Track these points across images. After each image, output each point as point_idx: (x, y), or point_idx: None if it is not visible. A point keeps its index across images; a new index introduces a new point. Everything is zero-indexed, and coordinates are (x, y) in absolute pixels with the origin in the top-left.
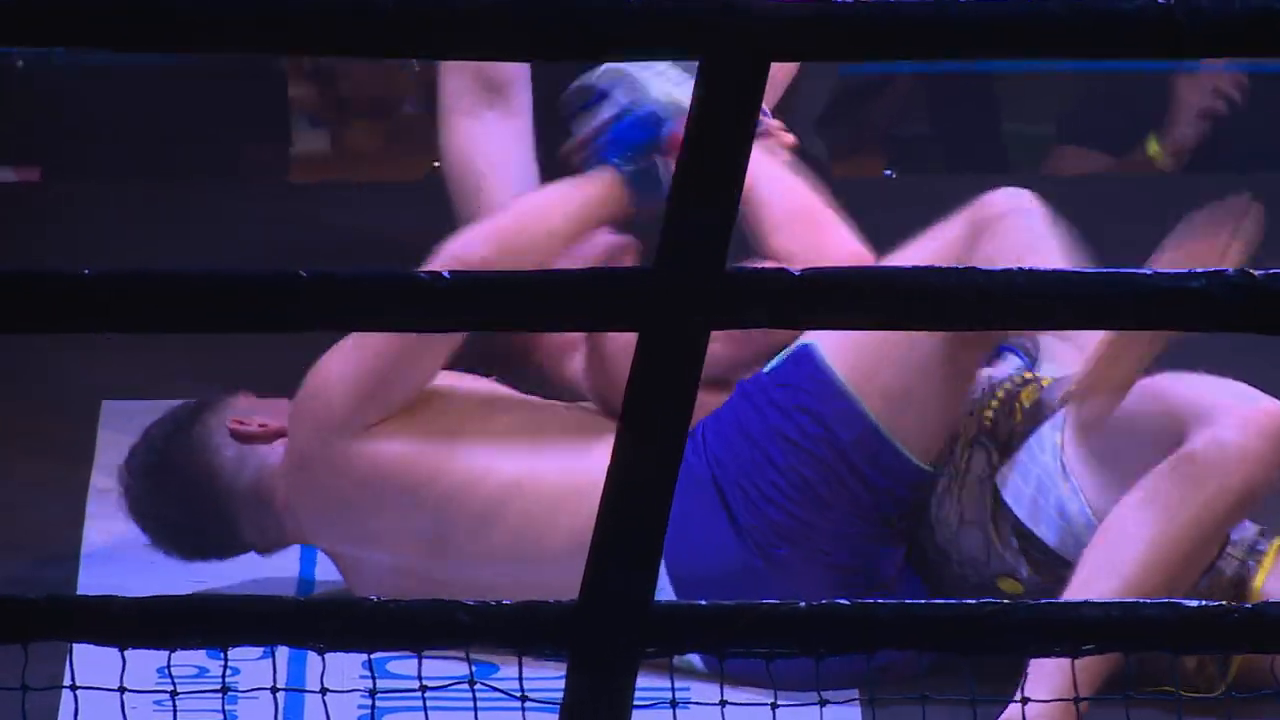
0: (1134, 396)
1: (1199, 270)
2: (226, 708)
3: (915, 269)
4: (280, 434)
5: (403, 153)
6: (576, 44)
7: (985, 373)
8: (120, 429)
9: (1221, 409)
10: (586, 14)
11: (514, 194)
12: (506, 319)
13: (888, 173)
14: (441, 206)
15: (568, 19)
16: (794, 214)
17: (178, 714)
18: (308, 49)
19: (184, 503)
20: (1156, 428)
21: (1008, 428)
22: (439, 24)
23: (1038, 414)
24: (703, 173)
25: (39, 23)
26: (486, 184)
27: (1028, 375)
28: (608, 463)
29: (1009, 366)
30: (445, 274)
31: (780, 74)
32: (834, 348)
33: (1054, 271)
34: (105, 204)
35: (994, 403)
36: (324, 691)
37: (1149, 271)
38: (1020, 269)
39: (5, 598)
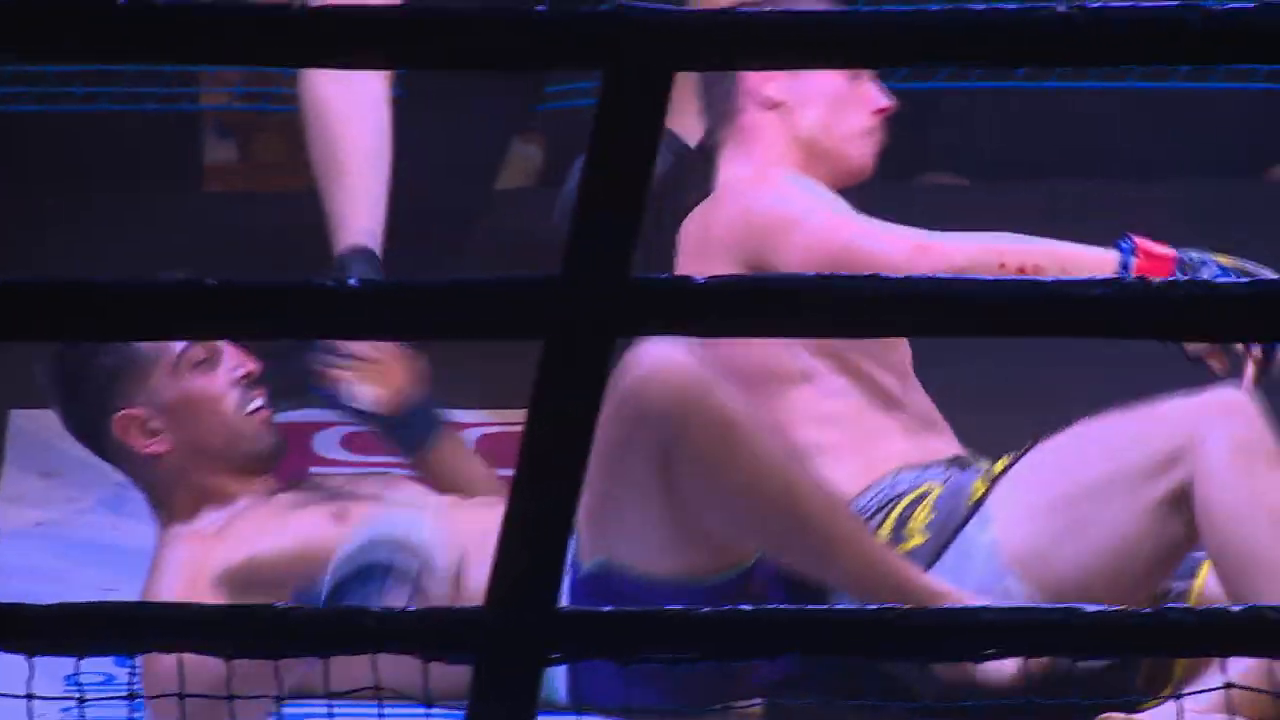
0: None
1: (1100, 278)
2: (133, 715)
3: (817, 276)
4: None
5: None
6: (481, 54)
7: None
8: (29, 439)
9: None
10: (489, 25)
11: (371, 145)
12: (411, 328)
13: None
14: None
15: (471, 30)
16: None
17: None
18: (218, 59)
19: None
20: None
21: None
22: (349, 35)
23: (945, 525)
24: (607, 182)
25: None
26: (346, 133)
27: (918, 491)
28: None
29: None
30: (352, 281)
31: None
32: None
33: (957, 279)
34: (12, 213)
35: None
36: (230, 698)
37: (1052, 280)
38: (925, 277)
39: None
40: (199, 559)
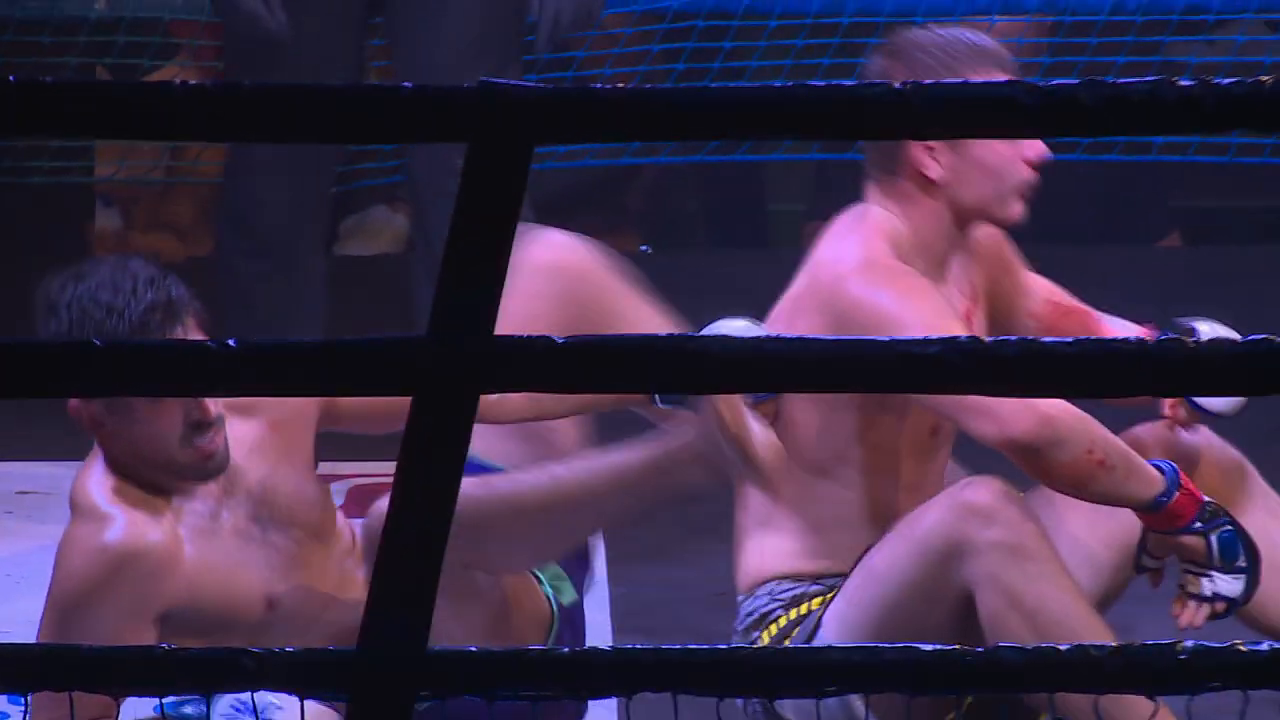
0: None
1: (934, 337)
2: None
3: (668, 337)
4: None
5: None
6: (355, 129)
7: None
8: None
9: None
10: (360, 101)
11: None
12: (290, 384)
13: (644, 248)
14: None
15: (347, 105)
16: None
17: None
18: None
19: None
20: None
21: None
22: (238, 109)
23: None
24: (471, 247)
25: None
26: None
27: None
28: None
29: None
30: (231, 342)
31: None
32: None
33: (795, 339)
34: None
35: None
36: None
37: (885, 340)
38: (768, 337)
39: None
40: (129, 556)
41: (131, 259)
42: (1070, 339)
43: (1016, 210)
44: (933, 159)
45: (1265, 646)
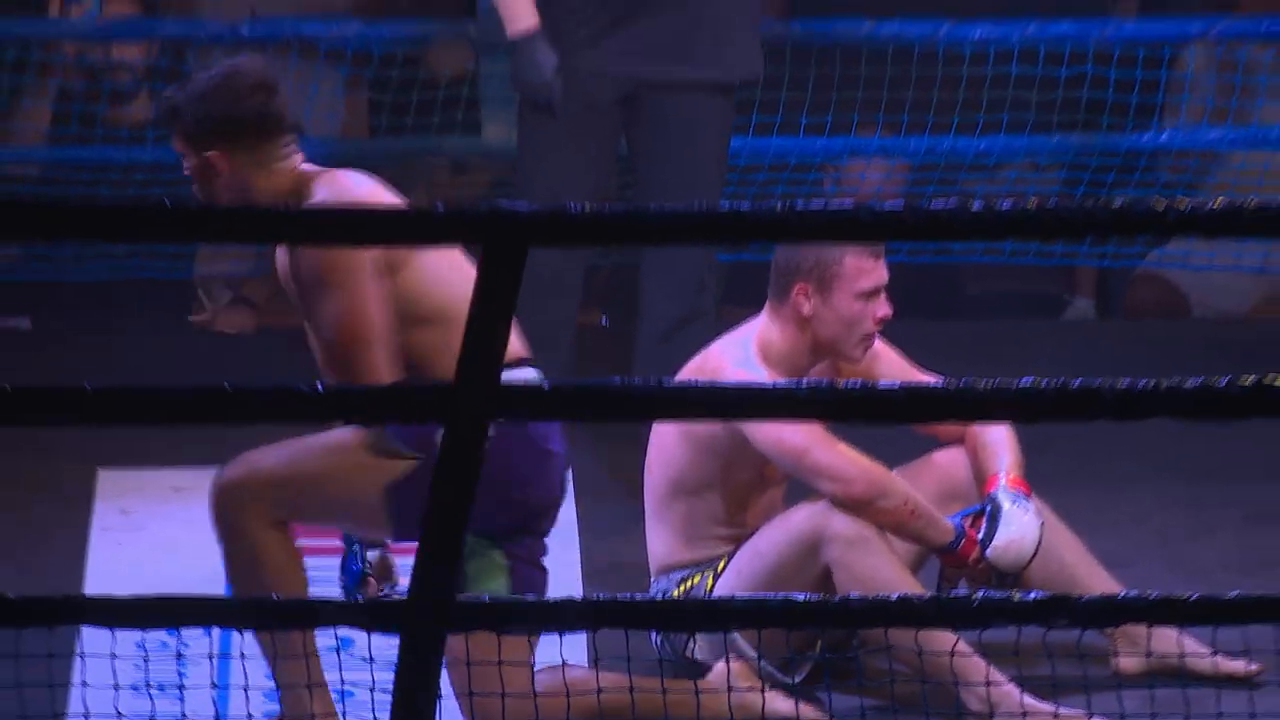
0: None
1: (802, 384)
2: (180, 669)
3: (620, 383)
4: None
5: None
6: (407, 235)
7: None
8: (114, 494)
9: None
10: (416, 216)
11: None
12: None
13: (603, 320)
14: None
15: (405, 220)
16: None
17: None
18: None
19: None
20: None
21: None
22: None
23: None
24: (486, 317)
25: None
26: None
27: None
28: None
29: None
30: (309, 386)
31: None
32: None
33: (693, 386)
34: None
35: None
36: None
37: (732, 386)
38: (693, 384)
39: (41, 597)
40: None
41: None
42: (886, 384)
43: (859, 354)
44: (807, 300)
45: (1032, 597)
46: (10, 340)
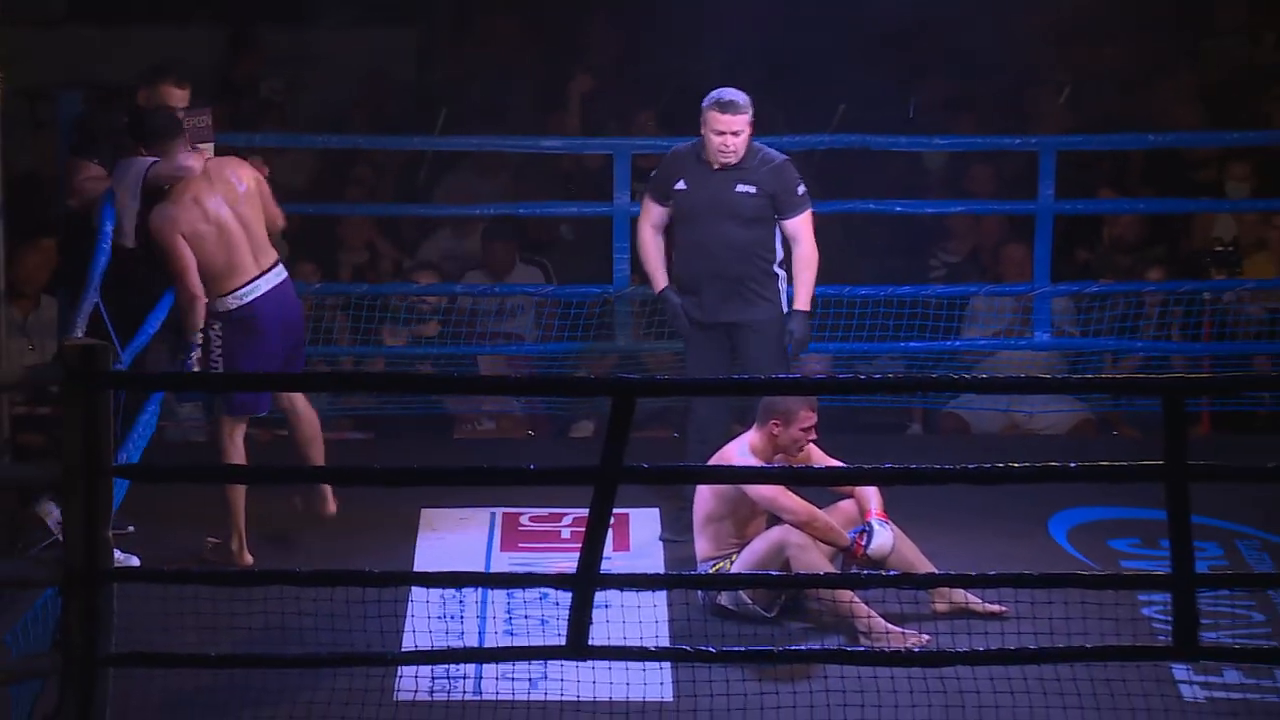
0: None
1: (778, 465)
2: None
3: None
4: None
5: None
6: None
7: None
8: (427, 521)
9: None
10: (534, 385)
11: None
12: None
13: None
14: None
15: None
16: None
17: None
18: None
19: None
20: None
21: None
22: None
23: None
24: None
25: None
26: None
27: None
28: None
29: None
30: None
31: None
32: None
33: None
34: None
35: None
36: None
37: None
38: (720, 466)
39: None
40: None
41: None
42: (815, 466)
43: (799, 453)
44: (777, 428)
45: (891, 573)
46: (355, 447)
